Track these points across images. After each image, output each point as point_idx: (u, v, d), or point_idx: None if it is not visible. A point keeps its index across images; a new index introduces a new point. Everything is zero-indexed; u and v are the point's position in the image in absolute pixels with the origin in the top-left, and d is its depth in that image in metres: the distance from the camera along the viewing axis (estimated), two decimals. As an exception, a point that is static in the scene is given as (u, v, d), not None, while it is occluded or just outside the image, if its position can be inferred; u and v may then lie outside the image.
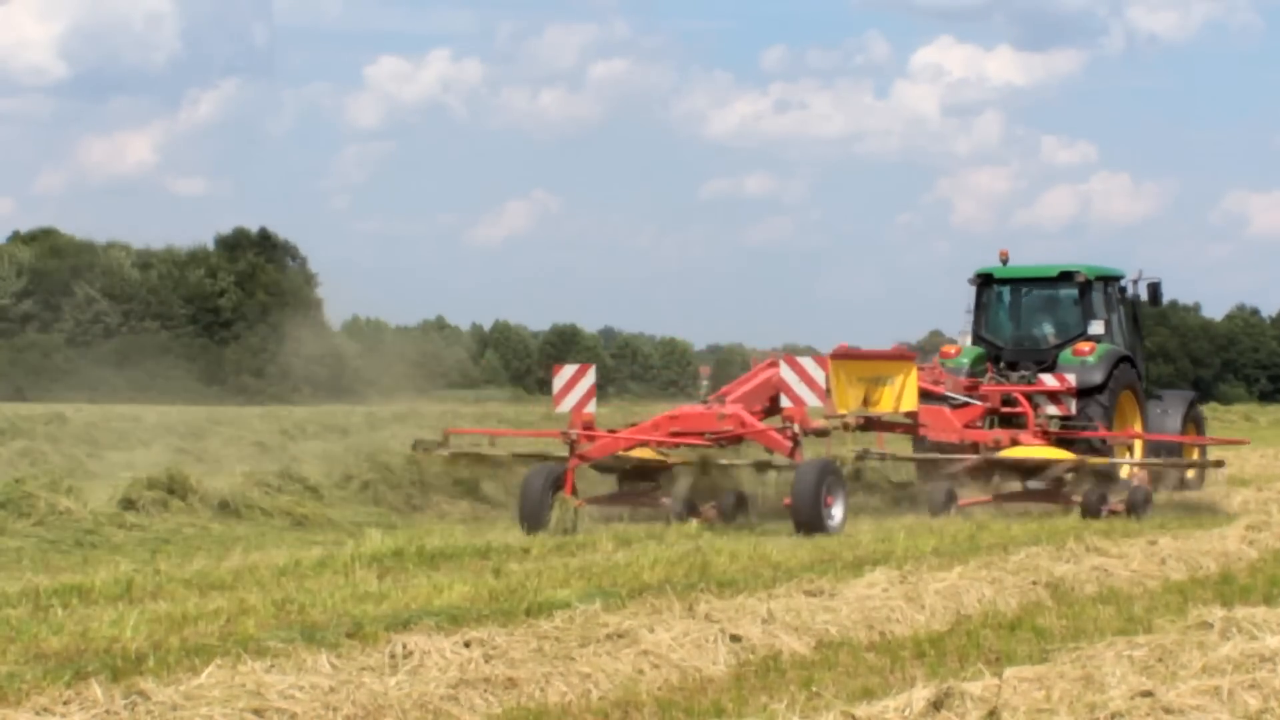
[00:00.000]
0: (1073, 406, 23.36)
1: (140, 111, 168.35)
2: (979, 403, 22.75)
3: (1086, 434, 22.94)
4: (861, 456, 19.94)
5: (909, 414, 20.97)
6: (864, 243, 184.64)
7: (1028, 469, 20.98)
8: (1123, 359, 24.31)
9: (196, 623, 10.52)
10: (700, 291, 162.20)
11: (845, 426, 19.42)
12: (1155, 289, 25.63)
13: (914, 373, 20.95)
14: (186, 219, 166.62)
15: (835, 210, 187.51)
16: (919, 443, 21.84)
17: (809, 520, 17.71)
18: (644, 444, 19.54)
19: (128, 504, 18.12)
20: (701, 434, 19.29)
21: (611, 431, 19.80)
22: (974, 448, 21.39)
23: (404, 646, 9.17)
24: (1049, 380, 23.54)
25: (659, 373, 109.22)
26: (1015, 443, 21.66)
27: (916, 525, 18.66)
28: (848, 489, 18.89)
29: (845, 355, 20.00)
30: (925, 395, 21.66)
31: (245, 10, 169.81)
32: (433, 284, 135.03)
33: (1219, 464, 23.40)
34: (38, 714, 7.72)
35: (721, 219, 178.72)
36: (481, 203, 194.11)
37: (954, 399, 22.47)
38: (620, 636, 9.80)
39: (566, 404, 19.45)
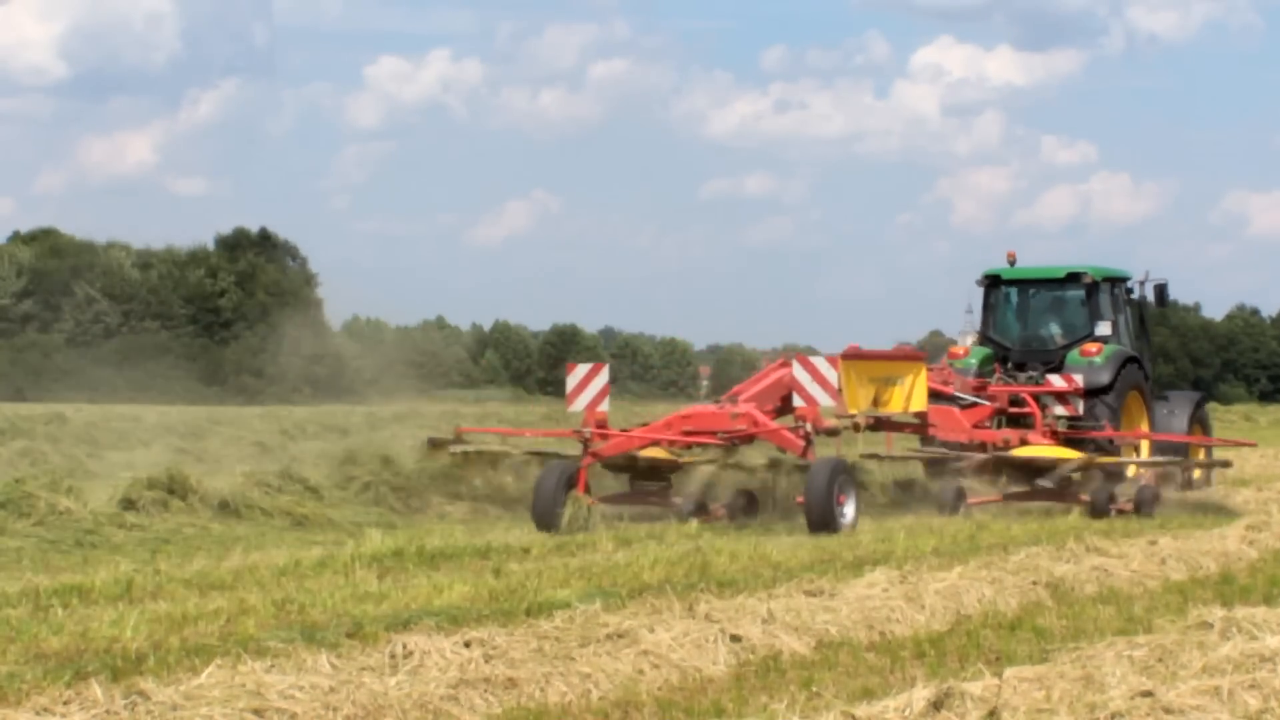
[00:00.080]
0: (1080, 407, 23.48)
1: (140, 111, 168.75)
2: (988, 403, 22.86)
3: (1094, 434, 23.08)
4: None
5: (918, 414, 21.10)
6: (864, 243, 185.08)
7: (1037, 468, 21.06)
8: (1130, 360, 24.42)
9: (196, 623, 10.52)
10: (700, 291, 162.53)
11: (855, 427, 19.52)
12: (1161, 290, 25.73)
13: (924, 373, 21.10)
14: (186, 219, 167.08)
15: (835, 210, 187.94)
16: (926, 443, 21.92)
17: (822, 518, 17.83)
18: (656, 443, 19.60)
19: (128, 504, 18.11)
20: (714, 433, 19.38)
21: (624, 430, 19.88)
22: (982, 447, 21.50)
23: (404, 646, 9.17)
24: (1057, 381, 23.67)
25: (659, 373, 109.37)
26: (1024, 442, 21.81)
27: (916, 525, 18.67)
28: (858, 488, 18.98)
29: (855, 355, 20.08)
30: (934, 395, 21.79)
31: (245, 10, 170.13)
32: (433, 284, 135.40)
33: (1226, 464, 23.55)
34: (38, 714, 7.71)
35: (721, 219, 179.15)
36: (481, 203, 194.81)
37: (963, 399, 22.59)
38: (620, 636, 9.79)
39: (580, 403, 19.53)
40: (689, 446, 19.75)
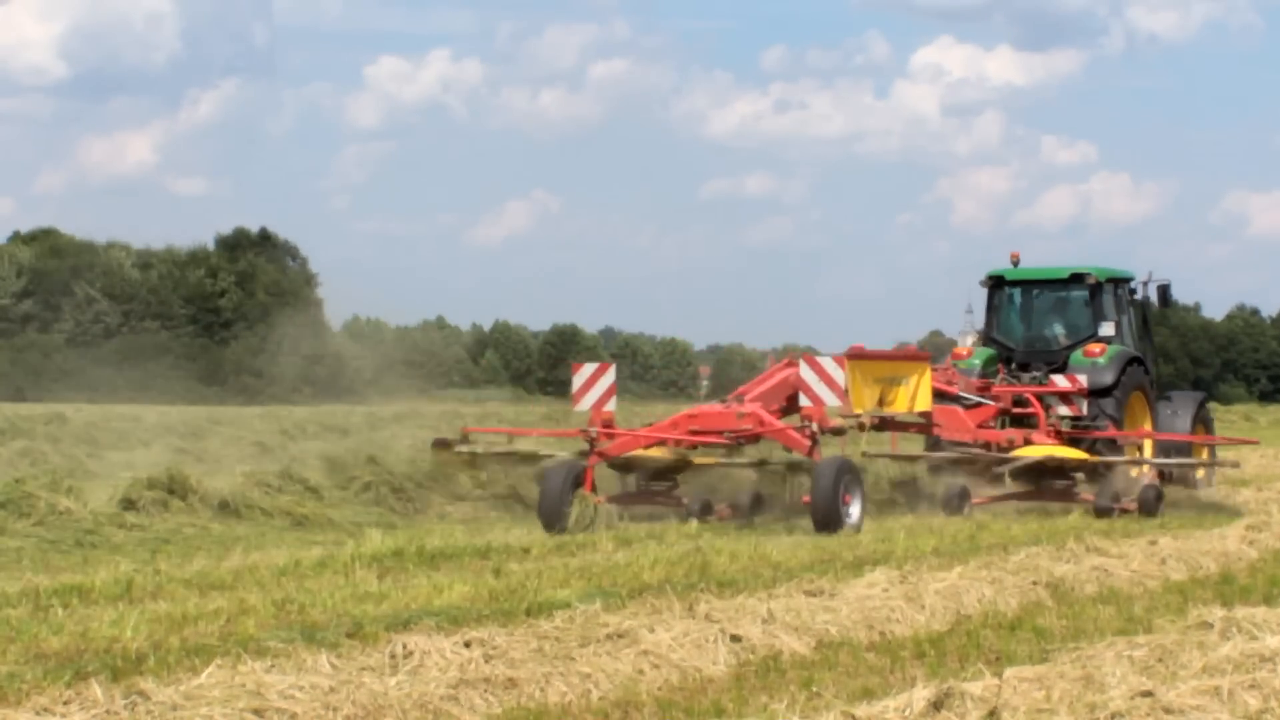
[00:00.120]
0: (1084, 407, 23.56)
1: (140, 111, 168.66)
2: (992, 403, 22.94)
3: (1098, 434, 23.17)
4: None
5: (923, 414, 21.19)
6: (864, 243, 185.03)
7: (1042, 468, 21.12)
8: (1133, 360, 24.51)
9: (196, 623, 10.52)
10: (700, 291, 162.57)
11: (860, 426, 19.59)
12: (1165, 290, 25.82)
13: (928, 373, 21.21)
14: (186, 219, 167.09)
15: (835, 210, 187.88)
16: (931, 442, 22.02)
17: (828, 518, 17.89)
18: (662, 442, 19.65)
19: (128, 504, 18.11)
20: (720, 433, 19.42)
21: (630, 430, 19.94)
22: (987, 447, 21.57)
23: (404, 646, 9.17)
24: (1060, 381, 23.75)
25: (659, 373, 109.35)
26: (1029, 442, 21.88)
27: (916, 525, 18.70)
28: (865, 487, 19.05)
29: (861, 355, 20.17)
30: (939, 395, 21.89)
31: (245, 10, 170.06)
32: (433, 284, 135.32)
33: (1234, 464, 23.67)
34: (38, 714, 7.72)
35: (721, 219, 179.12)
36: (481, 203, 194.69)
37: (967, 399, 22.67)
38: (620, 636, 9.79)
39: (586, 402, 19.57)
40: (694, 446, 19.81)
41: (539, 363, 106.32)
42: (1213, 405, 30.62)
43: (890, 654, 10.31)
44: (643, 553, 14.74)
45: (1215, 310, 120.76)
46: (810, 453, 18.69)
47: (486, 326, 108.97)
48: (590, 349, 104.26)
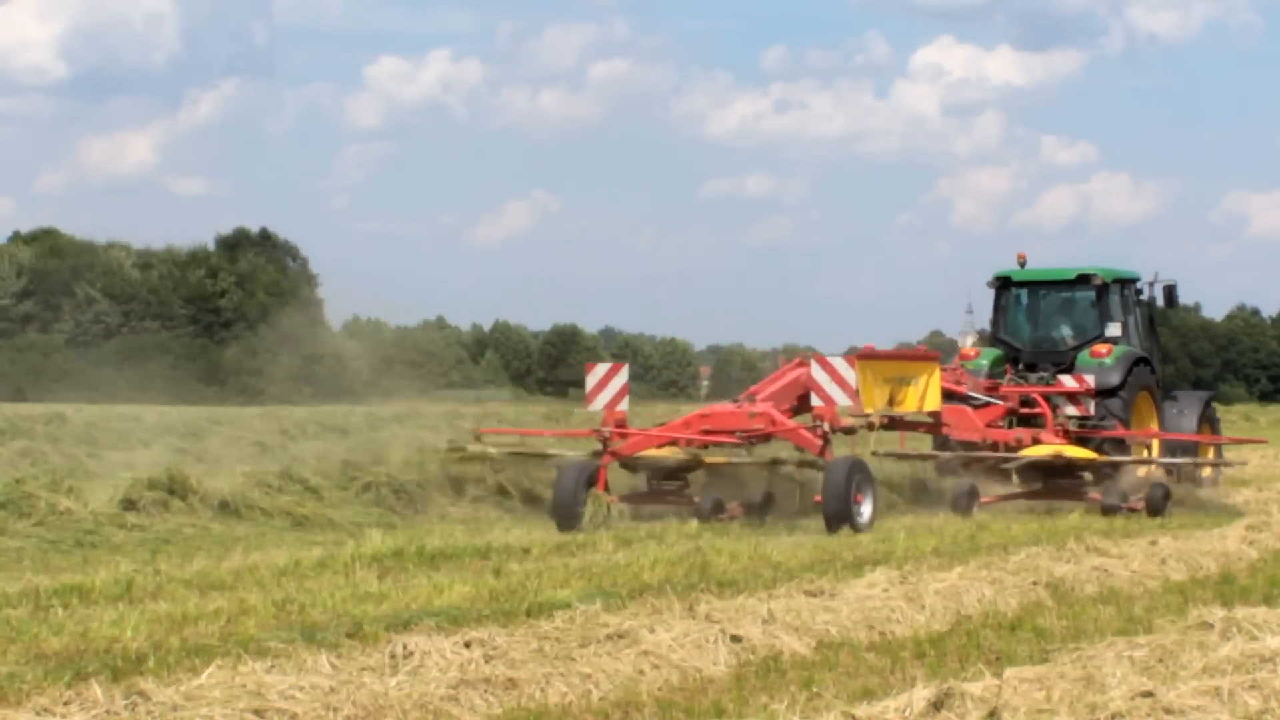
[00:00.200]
0: (1091, 407, 23.68)
1: (140, 111, 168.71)
2: (1000, 403, 23.04)
3: (1105, 433, 23.30)
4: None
5: (932, 413, 21.33)
6: (864, 243, 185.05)
7: (1050, 467, 21.19)
8: (1139, 360, 24.70)
9: (197, 623, 10.52)
10: (700, 291, 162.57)
11: (870, 426, 19.70)
12: (1171, 291, 26.03)
13: (937, 373, 21.39)
14: (186, 219, 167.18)
15: (835, 210, 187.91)
16: (940, 442, 22.12)
17: (840, 517, 18.00)
18: (674, 442, 19.70)
19: (128, 504, 18.10)
20: (732, 432, 19.51)
21: (643, 430, 20.07)
22: (995, 447, 21.67)
23: (404, 647, 9.17)
24: (1068, 381, 23.88)
25: (659, 373, 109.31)
26: (1037, 442, 21.98)
27: (916, 525, 18.72)
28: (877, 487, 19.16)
29: (871, 356, 20.30)
30: (947, 395, 22.07)
31: (245, 10, 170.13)
32: (433, 284, 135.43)
33: (1243, 463, 23.84)
34: (38, 714, 7.72)
35: (721, 219, 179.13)
36: (481, 203, 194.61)
37: (976, 399, 22.78)
38: (620, 637, 9.79)
39: (599, 402, 19.77)
40: (706, 445, 19.87)
41: (539, 363, 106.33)
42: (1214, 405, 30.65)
43: (890, 654, 10.31)
44: (643, 553, 14.74)
45: (1215, 310, 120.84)
46: (822, 452, 18.81)
47: (486, 326, 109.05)
48: (590, 349, 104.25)
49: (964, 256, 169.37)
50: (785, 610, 10.91)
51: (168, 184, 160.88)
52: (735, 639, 10.18)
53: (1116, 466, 21.34)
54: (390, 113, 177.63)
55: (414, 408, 40.43)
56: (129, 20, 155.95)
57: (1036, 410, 23.30)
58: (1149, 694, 7.68)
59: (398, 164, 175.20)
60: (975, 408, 22.68)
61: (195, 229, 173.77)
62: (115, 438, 32.19)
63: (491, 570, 13.49)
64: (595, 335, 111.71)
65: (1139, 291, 26.01)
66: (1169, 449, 24.23)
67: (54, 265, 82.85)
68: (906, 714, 7.70)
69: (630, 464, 20.02)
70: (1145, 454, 23.92)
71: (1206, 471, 24.45)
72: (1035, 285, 25.75)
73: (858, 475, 18.36)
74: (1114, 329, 24.89)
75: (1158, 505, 20.56)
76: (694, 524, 18.31)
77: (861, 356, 19.85)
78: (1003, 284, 25.67)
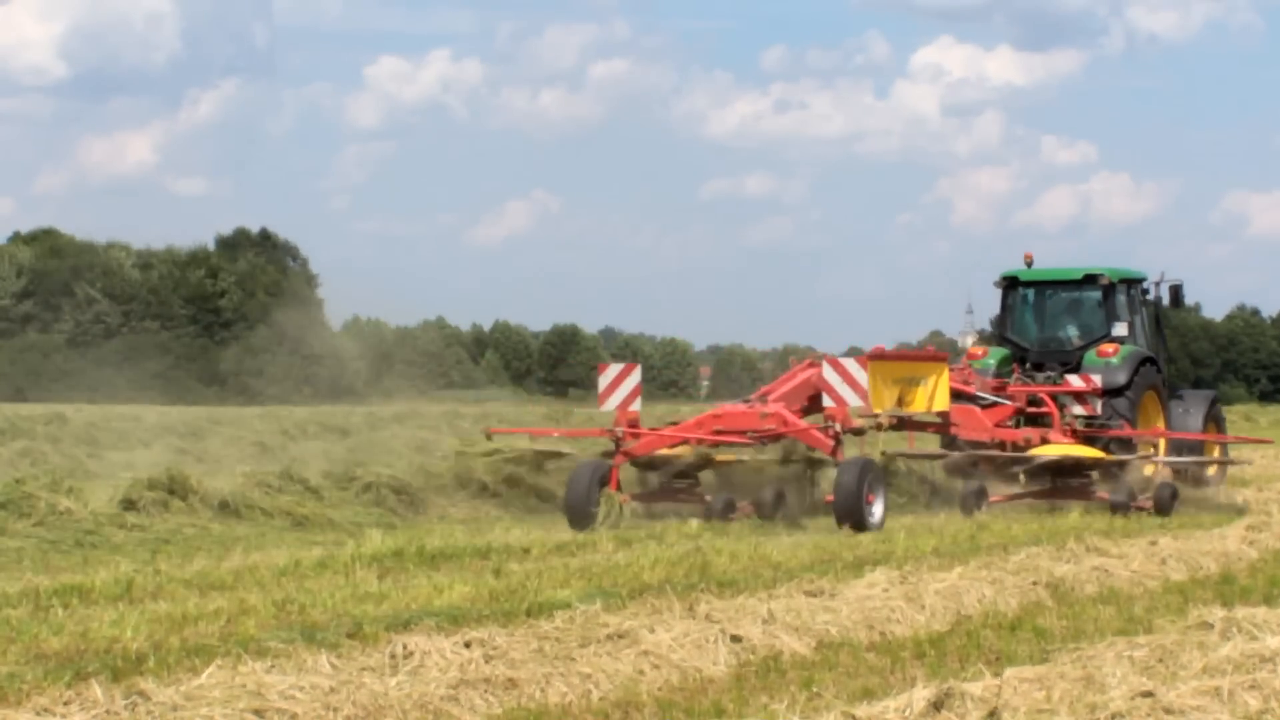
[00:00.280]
0: (1098, 406, 23.76)
1: (140, 111, 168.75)
2: (1008, 403, 23.12)
3: (1112, 433, 23.44)
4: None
5: (941, 413, 21.45)
6: (864, 243, 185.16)
7: (1058, 467, 21.24)
8: (1146, 360, 24.81)
9: (197, 623, 10.52)
10: (700, 291, 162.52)
11: (879, 426, 19.81)
12: (1177, 291, 26.19)
13: (946, 373, 21.52)
14: (187, 219, 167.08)
15: (835, 210, 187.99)
16: (947, 441, 22.20)
17: (851, 517, 18.07)
18: (686, 442, 19.81)
19: (128, 504, 18.11)
20: (744, 432, 19.59)
21: (655, 430, 20.21)
22: (1003, 446, 21.76)
23: (404, 647, 9.17)
24: (1075, 381, 23.99)
25: (659, 373, 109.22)
26: (1044, 441, 22.07)
27: (916, 525, 18.73)
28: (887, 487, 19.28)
29: (881, 356, 20.43)
30: (956, 395, 22.20)
31: (245, 10, 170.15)
32: (433, 284, 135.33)
33: (1247, 463, 23.95)
34: (38, 714, 7.71)
35: (721, 219, 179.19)
36: (481, 203, 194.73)
37: (984, 399, 22.86)
38: (620, 637, 9.79)
39: (612, 402, 19.89)
40: (717, 445, 19.94)
41: (539, 363, 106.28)
42: (1216, 404, 30.72)
43: (890, 654, 10.31)
44: (643, 553, 14.73)
45: (1215, 310, 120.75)
46: (833, 452, 18.91)
47: (486, 326, 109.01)
48: (590, 349, 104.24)
49: (964, 256, 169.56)
50: (785, 610, 10.91)
51: (168, 184, 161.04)
52: (735, 639, 10.18)
53: (1123, 465, 21.41)
54: (390, 113, 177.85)
55: (414, 408, 40.47)
56: (129, 20, 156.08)
57: (1043, 410, 23.39)
58: (1149, 694, 7.68)
59: (398, 164, 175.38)
60: (983, 407, 22.78)
61: (195, 229, 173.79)
62: (115, 438, 32.20)
63: (491, 570, 13.49)
64: (595, 335, 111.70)
65: (1145, 291, 26.17)
66: (1175, 448, 24.33)
67: (54, 265, 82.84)
68: (906, 714, 7.70)
69: (650, 464, 20.09)
70: (1152, 453, 24.03)
71: (1212, 470, 24.54)
72: (1042, 285, 25.90)
73: (869, 475, 18.46)
74: (1120, 329, 25.04)
75: (1165, 504, 20.65)
76: (694, 524, 18.33)
77: (872, 357, 20.01)
78: (1010, 284, 25.82)
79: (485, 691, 8.71)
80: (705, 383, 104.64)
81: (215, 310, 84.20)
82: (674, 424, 20.75)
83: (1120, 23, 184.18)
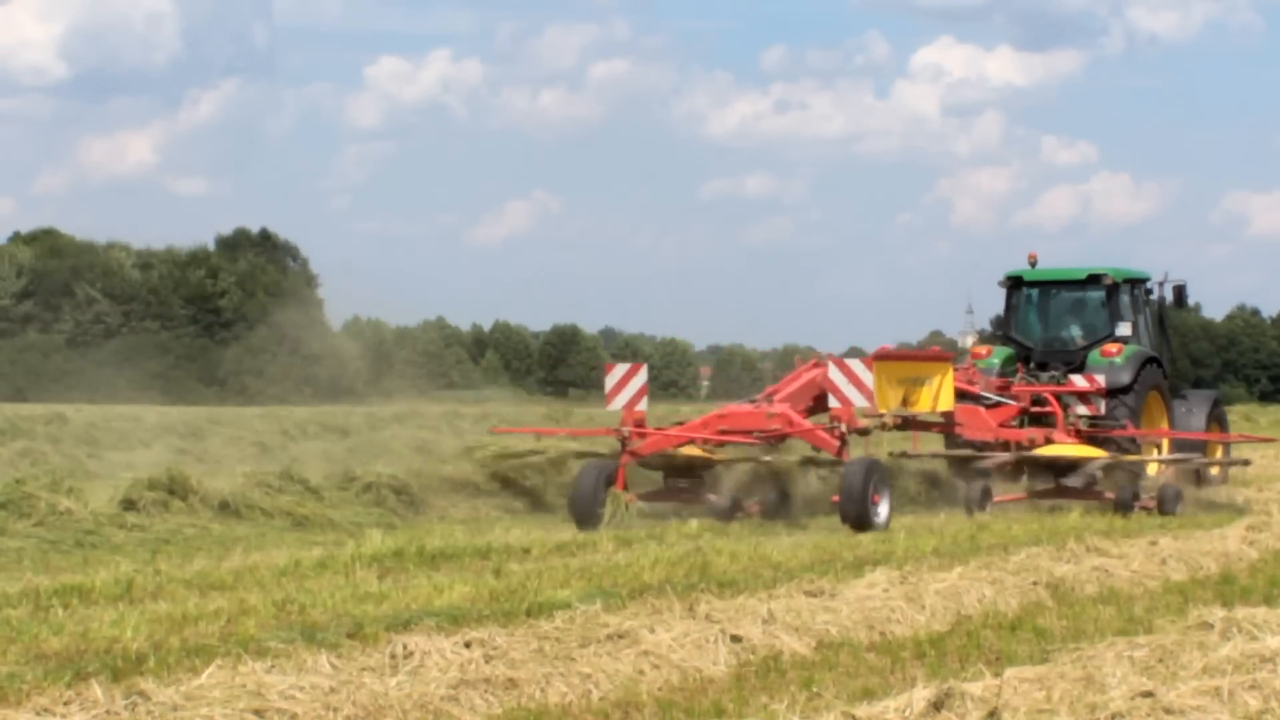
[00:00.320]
0: (1102, 406, 23.82)
1: (140, 111, 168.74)
2: (1013, 402, 23.17)
3: (1116, 433, 23.50)
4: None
5: (945, 413, 21.51)
6: (864, 243, 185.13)
7: (1063, 466, 21.31)
8: (1150, 360, 24.88)
9: (197, 623, 10.52)
10: (700, 291, 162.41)
11: (884, 426, 19.90)
12: (1180, 291, 26.32)
13: (950, 373, 21.58)
14: (187, 219, 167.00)
15: (835, 210, 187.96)
16: (950, 440, 22.25)
17: (857, 517, 18.13)
18: (692, 441, 19.85)
19: (128, 504, 18.11)
20: (750, 432, 19.63)
21: (661, 429, 20.24)
22: (1006, 446, 21.83)
23: (404, 647, 9.17)
24: (1079, 381, 24.05)
25: (659, 373, 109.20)
26: (1049, 441, 22.12)
27: (916, 525, 18.73)
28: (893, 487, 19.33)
29: (886, 356, 20.52)
30: (960, 395, 22.27)
31: (245, 10, 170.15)
32: (433, 284, 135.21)
33: (1246, 463, 23.98)
34: (38, 714, 7.72)
35: (721, 219, 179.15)
36: (481, 203, 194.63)
37: (988, 398, 22.91)
38: (621, 637, 9.79)
39: (618, 402, 19.95)
40: (723, 445, 20.00)
41: (539, 363, 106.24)
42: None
43: (890, 654, 10.30)
44: (643, 553, 14.73)
45: (1215, 310, 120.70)
46: (839, 453, 18.96)
47: (486, 326, 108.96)
48: (590, 349, 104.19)
49: (964, 257, 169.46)
50: (785, 610, 10.91)
51: (168, 184, 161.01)
52: (735, 639, 10.18)
53: (1126, 465, 21.47)
54: (390, 113, 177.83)
55: (414, 408, 40.43)
56: (129, 20, 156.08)
57: (1047, 409, 23.42)
58: (1149, 694, 7.68)
59: (398, 164, 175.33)
60: (987, 407, 22.83)
61: (195, 229, 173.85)
62: (115, 438, 32.20)
63: (491, 570, 13.49)
64: (595, 335, 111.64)
65: (1149, 291, 26.26)
66: (1178, 448, 24.39)
67: (54, 265, 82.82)
68: (906, 714, 7.70)
69: (666, 464, 20.11)
70: (1157, 453, 24.12)
71: (1215, 470, 24.62)
72: (1046, 285, 26.03)
73: (875, 476, 18.49)
74: (1124, 328, 25.16)
75: (1170, 504, 20.69)
76: (694, 524, 18.34)
77: (877, 357, 20.08)
78: (1014, 283, 25.96)
79: (485, 691, 8.71)
80: (705, 383, 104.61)
81: (215, 310, 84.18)
82: (679, 424, 20.77)
83: (1120, 23, 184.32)
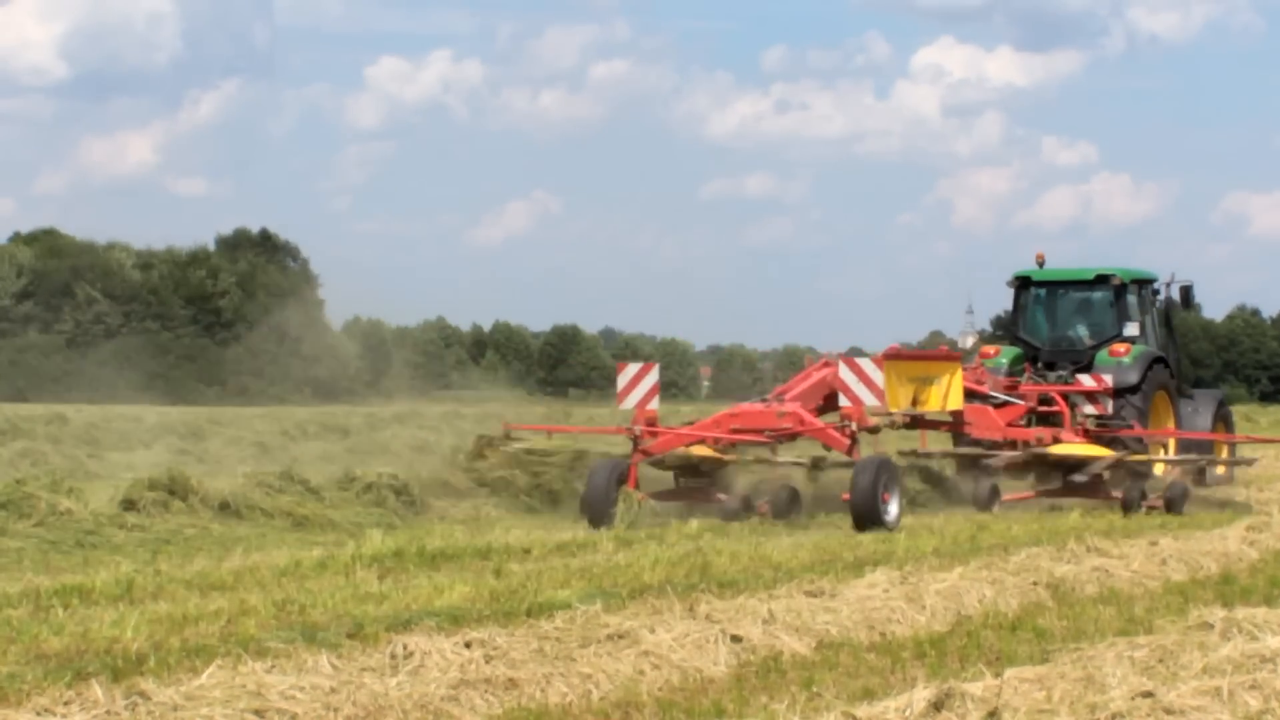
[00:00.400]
0: (1109, 406, 23.89)
1: (141, 112, 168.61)
2: (1021, 402, 23.23)
3: (1123, 432, 23.58)
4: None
5: (954, 413, 21.63)
6: (864, 243, 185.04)
7: (1071, 465, 21.35)
8: (1157, 360, 25.00)
9: (197, 623, 10.52)
10: (700, 291, 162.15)
11: (893, 425, 20.02)
12: (1187, 291, 26.46)
13: (959, 373, 21.66)
14: (187, 219, 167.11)
15: (836, 210, 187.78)
16: (959, 439, 22.33)
17: (867, 516, 18.17)
18: (703, 441, 19.89)
19: (128, 505, 18.11)
20: (761, 431, 19.69)
21: (672, 429, 20.34)
22: (1014, 445, 21.86)
23: (405, 647, 9.17)
24: (1086, 380, 24.12)
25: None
26: (1056, 440, 22.17)
27: (916, 525, 18.73)
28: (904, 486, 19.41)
29: (896, 356, 20.60)
30: (969, 394, 22.39)
31: (246, 10, 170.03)
32: (433, 284, 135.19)
33: (1250, 462, 24.08)
34: (38, 714, 7.72)
35: (722, 219, 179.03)
36: (482, 203, 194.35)
37: (996, 398, 22.99)
38: (621, 637, 9.79)
39: (630, 401, 20.04)
40: (734, 444, 20.02)
41: (539, 363, 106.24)
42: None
43: (891, 654, 10.31)
44: (643, 553, 14.73)
45: (1215, 310, 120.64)
46: (850, 452, 19.02)
47: (486, 327, 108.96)
48: (590, 349, 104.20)
49: (964, 257, 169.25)
50: (785, 610, 10.91)
51: (168, 184, 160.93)
52: (735, 639, 10.19)
53: (1133, 465, 21.54)
54: (391, 113, 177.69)
55: (414, 408, 40.48)
56: (130, 21, 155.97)
57: (1055, 409, 23.49)
58: (1149, 694, 7.68)
59: (398, 164, 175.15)
60: (995, 407, 22.88)
61: (195, 229, 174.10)
62: (115, 438, 32.24)
63: (492, 570, 13.49)
64: (595, 335, 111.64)
65: (1156, 292, 26.40)
66: (1185, 448, 24.46)
67: (54, 266, 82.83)
68: (907, 714, 7.70)
69: (682, 464, 20.14)
70: (1163, 453, 24.20)
71: (1220, 469, 24.70)
72: (1054, 285, 26.17)
73: (885, 474, 18.54)
74: (1131, 329, 25.28)
75: (1177, 503, 20.74)
76: (694, 524, 18.34)
77: (887, 356, 20.16)
78: (1022, 283, 26.11)
79: (485, 692, 8.71)
80: (706, 383, 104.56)
81: (215, 310, 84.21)
82: (689, 424, 20.84)
83: (1120, 23, 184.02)
